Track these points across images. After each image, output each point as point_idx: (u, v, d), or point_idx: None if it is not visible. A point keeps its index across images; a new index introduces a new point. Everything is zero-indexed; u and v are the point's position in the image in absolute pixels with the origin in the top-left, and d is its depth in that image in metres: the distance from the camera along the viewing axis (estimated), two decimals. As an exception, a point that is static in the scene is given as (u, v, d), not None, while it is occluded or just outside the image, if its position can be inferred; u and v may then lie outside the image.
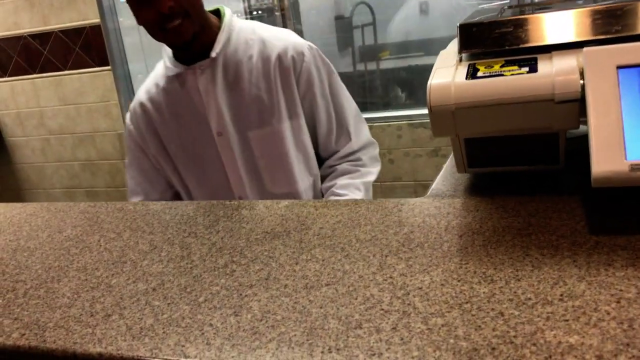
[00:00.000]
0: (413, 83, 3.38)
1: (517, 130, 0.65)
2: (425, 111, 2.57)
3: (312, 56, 1.29)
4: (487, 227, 0.64)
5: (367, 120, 2.63)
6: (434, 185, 0.80)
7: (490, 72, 0.64)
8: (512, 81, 0.61)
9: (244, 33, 1.30)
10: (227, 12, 1.31)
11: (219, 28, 1.28)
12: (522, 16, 0.68)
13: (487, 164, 0.72)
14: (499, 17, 0.70)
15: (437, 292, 0.51)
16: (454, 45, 0.77)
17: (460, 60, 0.69)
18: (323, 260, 0.61)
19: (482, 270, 0.54)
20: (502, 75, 0.63)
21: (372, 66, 4.00)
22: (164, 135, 1.33)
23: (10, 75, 3.19)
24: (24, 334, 0.54)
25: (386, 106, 3.08)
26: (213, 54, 1.25)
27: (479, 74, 0.64)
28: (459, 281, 0.53)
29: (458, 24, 0.69)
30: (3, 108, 3.28)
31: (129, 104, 2.98)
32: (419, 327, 0.46)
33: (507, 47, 0.67)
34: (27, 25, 3.05)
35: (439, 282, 0.53)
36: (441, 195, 0.75)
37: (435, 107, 0.63)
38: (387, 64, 3.96)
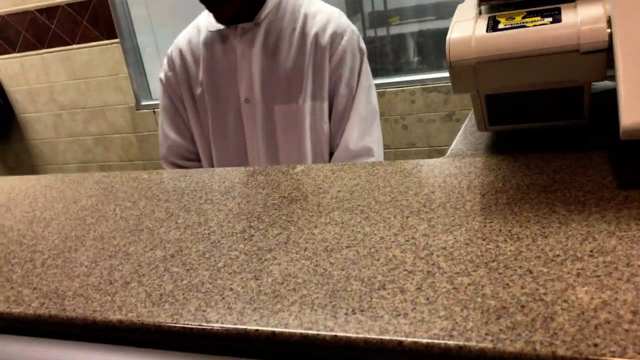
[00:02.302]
0: (425, 47, 3.32)
1: (540, 84, 0.62)
2: (439, 75, 2.53)
3: (351, 40, 1.26)
4: (511, 185, 0.62)
5: (379, 85, 2.60)
6: (453, 145, 0.78)
7: (511, 24, 0.61)
8: (535, 32, 0.59)
9: (294, 4, 1.27)
10: None
11: None
12: (544, -35, 0.65)
13: (508, 121, 0.70)
14: (520, -34, 0.67)
15: (462, 252, 0.50)
16: (471, -2, 0.74)
17: (480, 13, 0.67)
18: (342, 223, 0.60)
19: (507, 229, 0.53)
20: (525, 26, 0.60)
21: (382, 32, 3.94)
22: (195, 86, 1.32)
23: (19, 51, 3.18)
24: (43, 303, 0.54)
25: (398, 71, 3.04)
26: (258, 20, 1.22)
27: (500, 26, 0.62)
28: (483, 240, 0.51)
29: (477, -25, 0.66)
30: (14, 85, 3.27)
31: (138, 77, 2.96)
32: (444, 287, 0.45)
33: (528, -2, 0.64)
34: (34, 0, 3.03)
35: (463, 242, 0.52)
36: (461, 155, 0.74)
37: (455, 62, 0.61)
38: (397, 29, 3.89)
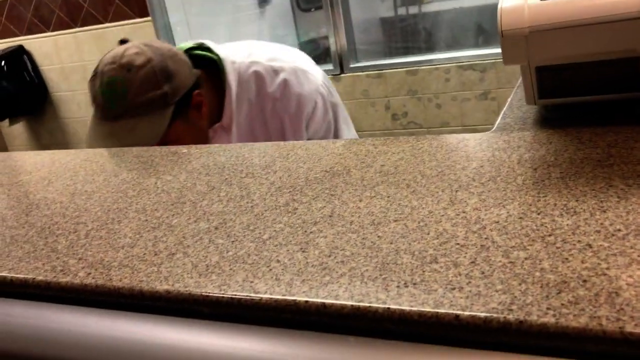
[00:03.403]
0: (460, 25, 3.25)
1: (597, 54, 0.60)
2: (475, 52, 2.48)
3: (322, 108, 1.22)
4: (563, 159, 0.60)
5: (412, 64, 2.56)
6: (499, 119, 0.76)
7: (567, -9, 0.59)
8: (594, -1, 0.56)
9: (251, 88, 1.20)
10: (228, 71, 1.18)
11: (221, 92, 1.18)
12: None
13: (559, 94, 0.68)
14: None
15: (516, 226, 0.48)
16: (522, -34, 0.71)
17: (532, -20, 0.64)
18: (388, 197, 0.58)
19: (563, 203, 0.51)
20: (582, -7, 0.57)
21: (414, 10, 3.87)
22: None
23: (53, 30, 3.21)
24: (89, 273, 0.54)
25: (430, 49, 2.98)
26: (224, 123, 1.19)
27: (555, -7, 0.59)
28: (538, 214, 0.50)
29: (530, -60, 0.63)
30: (48, 63, 3.31)
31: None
32: (500, 261, 0.44)
33: (585, -36, 0.61)
34: (67, -22, 3.05)
35: (517, 216, 0.50)
36: (509, 129, 0.71)
37: (507, 31, 0.59)
38: (430, 7, 3.82)
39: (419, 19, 3.87)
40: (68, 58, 3.20)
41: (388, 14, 4.06)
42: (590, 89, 0.66)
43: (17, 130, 3.57)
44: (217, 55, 1.20)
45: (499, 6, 0.61)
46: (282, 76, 1.20)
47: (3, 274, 0.58)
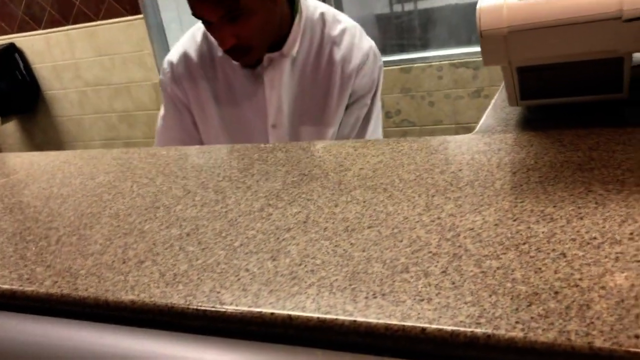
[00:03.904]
0: (453, 22, 3.23)
1: (577, 55, 0.58)
2: (467, 50, 2.46)
3: (372, 65, 1.26)
4: (543, 162, 0.58)
5: (406, 61, 2.54)
6: (482, 121, 0.74)
7: (547, -10, 0.57)
8: (573, -1, 0.55)
9: (315, 26, 1.24)
10: (302, 4, 1.23)
11: (290, 20, 1.21)
12: None
13: (542, 95, 0.66)
14: None
15: (491, 233, 0.47)
16: (504, -36, 0.69)
17: (513, -21, 0.62)
18: (364, 202, 0.57)
19: (540, 209, 0.49)
20: (562, -8, 0.56)
21: (409, 6, 3.86)
22: (207, 103, 1.27)
23: (44, 28, 3.19)
24: (56, 282, 0.53)
25: (425, 47, 2.97)
26: (285, 51, 1.20)
27: (535, -7, 0.58)
28: (514, 221, 0.48)
29: (510, -62, 0.62)
30: (39, 61, 3.29)
31: (162, 53, 2.94)
32: (471, 271, 0.42)
33: (566, -38, 0.60)
34: (58, -25, 3.03)
35: (492, 222, 0.49)
36: (491, 131, 0.70)
37: (486, 31, 0.58)
38: (425, 4, 3.80)
39: (414, 15, 3.86)
40: (60, 56, 3.18)
41: (383, 10, 4.05)
42: (572, 89, 0.65)
43: (10, 129, 3.55)
44: None
45: (477, 6, 0.59)
46: (343, 24, 1.26)
47: (-31, 282, 0.56)
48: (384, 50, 3.16)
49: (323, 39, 1.24)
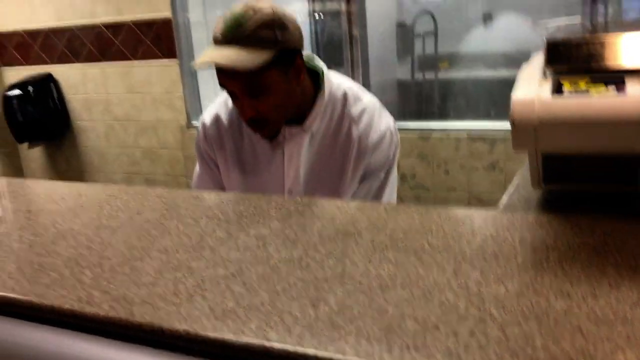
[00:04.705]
0: (472, 95, 3.35)
1: (599, 149, 0.65)
2: (485, 124, 2.55)
3: (389, 143, 1.32)
4: (562, 243, 0.64)
5: (425, 130, 2.64)
6: (504, 198, 0.80)
7: (576, 90, 0.64)
8: (599, 101, 0.61)
9: (337, 103, 1.31)
10: (326, 81, 1.30)
11: (313, 96, 1.28)
12: (611, 36, 0.68)
13: (563, 181, 0.72)
14: (587, 35, 0.70)
15: (513, 302, 0.52)
16: (537, 59, 0.77)
17: (545, 75, 0.70)
18: (396, 263, 0.62)
19: (558, 285, 0.55)
20: (589, 94, 0.63)
21: (430, 75, 3.99)
22: (233, 164, 1.35)
23: (82, 62, 3.32)
24: (113, 307, 0.58)
25: (443, 116, 3.07)
26: (305, 127, 1.28)
27: (564, 90, 0.65)
28: (535, 293, 0.54)
29: (545, 39, 0.69)
30: (73, 92, 3.41)
31: (192, 97, 3.06)
32: (496, 334, 0.48)
33: (594, 66, 0.67)
34: (103, 15, 3.18)
35: (515, 293, 0.54)
36: (513, 209, 0.76)
37: (518, 121, 0.64)
38: (446, 75, 3.94)
39: (435, 85, 3.99)
40: (93, 89, 3.30)
41: (405, 77, 4.18)
42: (592, 178, 0.71)
43: (35, 154, 3.65)
44: (320, 67, 1.31)
45: (512, 96, 0.66)
46: (364, 103, 1.32)
47: (30, 299, 0.62)
48: (403, 115, 3.27)
49: (343, 116, 1.30)
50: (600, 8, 2.28)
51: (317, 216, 0.79)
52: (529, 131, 0.64)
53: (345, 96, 1.31)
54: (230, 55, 1.12)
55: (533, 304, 0.52)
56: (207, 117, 1.39)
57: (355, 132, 1.29)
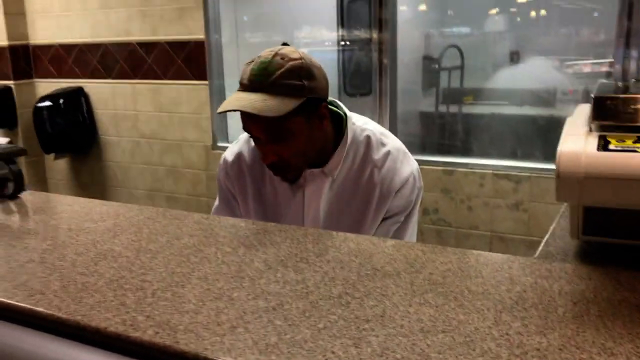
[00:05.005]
0: (497, 131, 3.35)
1: (643, 206, 0.65)
2: (511, 163, 2.55)
3: (411, 188, 1.32)
4: (602, 297, 0.64)
5: (450, 164, 2.64)
6: (541, 247, 0.81)
7: (622, 147, 0.65)
8: (647, 159, 0.62)
9: (359, 149, 1.31)
10: (349, 125, 1.31)
11: (335, 140, 1.30)
12: (658, 94, 0.69)
13: (602, 234, 0.73)
14: (635, 94, 0.71)
15: (556, 356, 0.53)
16: (581, 111, 0.78)
17: (590, 130, 0.71)
18: (437, 307, 0.63)
19: (601, 341, 0.55)
20: (636, 151, 0.64)
21: (454, 109, 4.01)
22: (254, 202, 1.36)
23: (113, 78, 3.39)
24: (157, 332, 0.59)
25: (467, 151, 3.08)
26: (326, 170, 1.29)
27: (611, 146, 0.66)
28: (577, 348, 0.54)
29: (592, 96, 0.71)
30: (102, 107, 3.47)
31: (219, 119, 3.10)
32: (541, 389, 0.48)
33: (640, 124, 0.68)
34: (137, 33, 3.25)
35: (557, 346, 0.54)
36: (551, 258, 0.76)
37: (564, 173, 0.65)
38: (470, 109, 3.95)
39: (459, 119, 4.00)
40: (122, 106, 3.36)
41: (429, 109, 4.20)
42: (632, 233, 0.72)
43: (60, 166, 3.71)
44: (343, 112, 1.33)
45: (558, 148, 0.67)
46: (387, 148, 1.32)
47: (76, 319, 0.63)
48: (425, 148, 3.27)
49: (366, 161, 1.30)
50: (633, 52, 2.28)
51: (354, 253, 0.80)
52: (574, 184, 0.65)
53: (368, 140, 1.31)
54: (256, 102, 1.13)
55: (576, 359, 0.52)
56: (229, 154, 1.40)
57: (377, 177, 1.29)
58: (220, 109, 1.19)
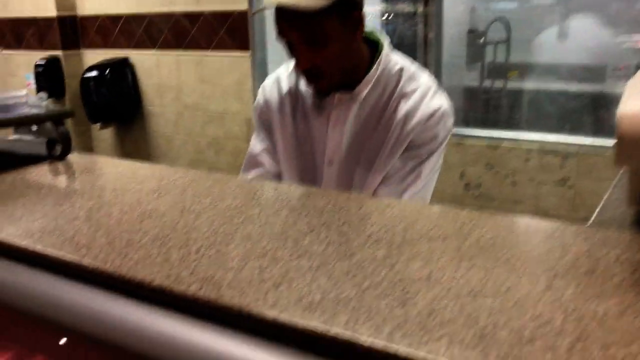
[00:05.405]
0: (543, 106, 3.25)
1: None
2: (558, 138, 2.48)
3: (437, 123, 1.29)
4: (662, 266, 0.61)
5: (494, 139, 2.58)
6: (595, 215, 0.78)
7: (690, 108, 0.61)
8: None
9: (391, 78, 1.30)
10: (384, 53, 1.30)
11: (369, 63, 1.29)
12: None
13: (663, 202, 0.69)
14: None
15: (615, 322, 0.50)
16: (643, 74, 0.74)
17: (654, 91, 0.67)
18: (486, 270, 0.61)
19: (661, 310, 0.52)
20: None
21: (499, 84, 3.91)
22: (285, 130, 1.38)
23: (158, 48, 3.42)
24: (201, 288, 0.59)
25: (511, 126, 2.99)
26: (354, 93, 1.28)
27: (677, 107, 0.62)
28: (636, 317, 0.51)
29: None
30: (147, 78, 3.52)
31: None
32: (597, 353, 0.46)
33: None
34: (182, 4, 3.26)
35: (616, 312, 0.52)
36: (605, 226, 0.73)
37: (625, 135, 0.62)
38: (515, 84, 3.85)
39: (504, 93, 3.90)
40: (166, 76, 3.40)
41: (473, 83, 4.11)
42: (695, 202, 0.68)
43: (105, 135, 3.78)
44: (382, 41, 1.32)
45: (619, 109, 0.64)
46: (419, 83, 1.31)
47: (121, 272, 0.63)
48: (468, 122, 3.21)
49: (394, 93, 1.29)
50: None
51: (398, 218, 0.78)
52: (636, 146, 0.62)
53: (400, 73, 1.31)
54: None
55: (637, 326, 0.49)
56: (267, 81, 1.43)
57: (402, 109, 1.28)
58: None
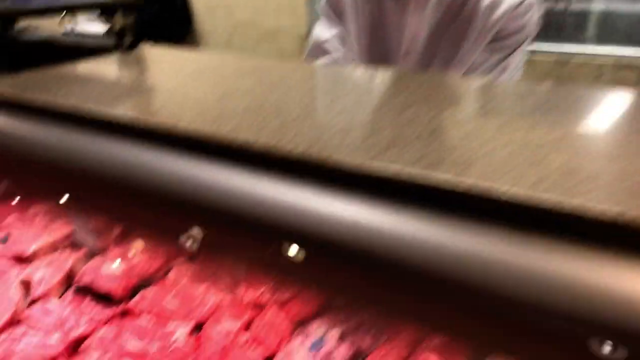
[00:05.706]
0: (618, 18, 3.05)
1: None
2: (635, 51, 2.32)
3: (524, 12, 1.18)
4: None
5: (563, 54, 2.43)
6: None
7: None
8: None
9: None
10: None
11: None
12: None
13: None
14: None
15: None
16: None
17: None
18: (624, 135, 0.55)
19: None
20: None
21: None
22: (350, 12, 1.30)
23: (208, -36, 3.33)
24: (310, 146, 0.55)
25: (582, 39, 2.81)
26: None
27: None
28: None
29: None
30: (197, -5, 3.44)
31: (314, 5, 2.99)
32: None
33: None
34: None
35: None
36: None
37: None
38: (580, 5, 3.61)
39: (573, 3, 3.68)
40: (217, -7, 3.32)
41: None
42: None
43: (155, 55, 3.76)
44: None
45: None
46: None
47: (219, 136, 0.60)
48: (535, 36, 3.04)
49: None
50: None
51: (511, 93, 0.73)
52: None
53: None
54: None
55: None
56: None
57: (483, 3, 1.18)
58: None
